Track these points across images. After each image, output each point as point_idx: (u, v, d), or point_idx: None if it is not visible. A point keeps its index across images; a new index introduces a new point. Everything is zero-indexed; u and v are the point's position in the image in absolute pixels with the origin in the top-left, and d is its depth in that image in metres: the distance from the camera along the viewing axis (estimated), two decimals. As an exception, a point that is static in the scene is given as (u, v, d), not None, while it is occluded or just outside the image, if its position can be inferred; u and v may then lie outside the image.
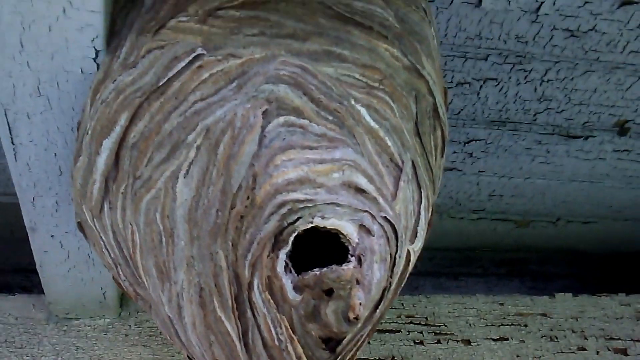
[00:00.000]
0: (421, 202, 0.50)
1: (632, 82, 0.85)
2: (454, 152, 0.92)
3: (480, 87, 0.83)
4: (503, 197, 1.02)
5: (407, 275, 0.50)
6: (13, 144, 0.54)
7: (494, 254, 1.21)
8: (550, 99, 0.87)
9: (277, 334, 0.43)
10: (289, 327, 0.43)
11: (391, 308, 0.91)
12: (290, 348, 0.43)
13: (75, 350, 0.79)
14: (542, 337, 0.94)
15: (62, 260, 0.70)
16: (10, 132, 0.53)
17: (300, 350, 0.43)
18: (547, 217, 1.09)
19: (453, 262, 1.23)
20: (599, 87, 0.85)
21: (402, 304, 0.92)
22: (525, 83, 0.84)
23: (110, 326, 0.82)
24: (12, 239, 0.96)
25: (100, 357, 0.79)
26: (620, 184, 1.00)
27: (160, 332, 0.81)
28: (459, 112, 0.87)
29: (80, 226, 0.55)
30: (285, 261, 0.42)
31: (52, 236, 0.66)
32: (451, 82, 0.82)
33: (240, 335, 0.45)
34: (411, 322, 0.91)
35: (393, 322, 0.90)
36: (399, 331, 0.90)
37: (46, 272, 0.72)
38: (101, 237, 0.53)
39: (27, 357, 0.78)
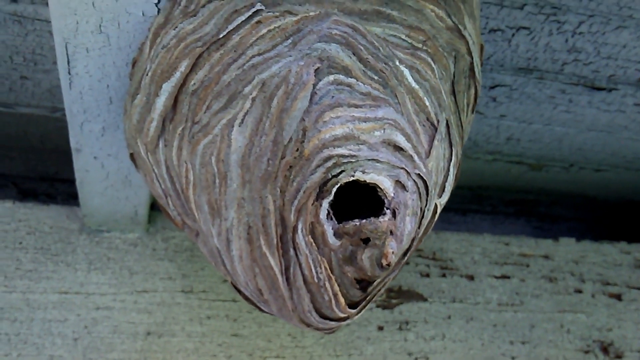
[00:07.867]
0: (451, 159, 0.53)
1: (661, 40, 0.85)
2: (478, 95, 0.94)
3: (513, 35, 0.83)
4: (520, 141, 1.02)
5: (433, 225, 0.54)
6: (70, 74, 0.56)
7: (505, 193, 1.20)
8: (580, 50, 0.87)
9: (316, 272, 0.47)
10: (327, 267, 0.47)
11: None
12: (327, 285, 0.48)
13: (107, 260, 0.81)
14: (542, 277, 0.95)
15: (101, 180, 0.72)
16: (68, 64, 0.55)
17: (336, 287, 0.48)
18: (561, 162, 1.09)
19: (463, 199, 1.22)
20: (629, 42, 0.85)
21: (413, 239, 0.95)
22: (558, 34, 0.84)
23: (139, 240, 0.83)
24: (43, 149, 0.96)
25: (129, 268, 0.81)
26: (637, 135, 1.01)
27: (185, 249, 0.84)
28: (489, 58, 0.87)
29: (133, 157, 0.59)
30: (327, 209, 0.46)
31: (95, 157, 0.68)
32: (485, 28, 0.82)
33: (283, 270, 0.49)
34: (419, 256, 0.92)
35: (403, 255, 0.93)
36: (408, 263, 0.91)
37: (85, 189, 0.74)
38: (154, 170, 0.56)
39: (62, 264, 0.80)
